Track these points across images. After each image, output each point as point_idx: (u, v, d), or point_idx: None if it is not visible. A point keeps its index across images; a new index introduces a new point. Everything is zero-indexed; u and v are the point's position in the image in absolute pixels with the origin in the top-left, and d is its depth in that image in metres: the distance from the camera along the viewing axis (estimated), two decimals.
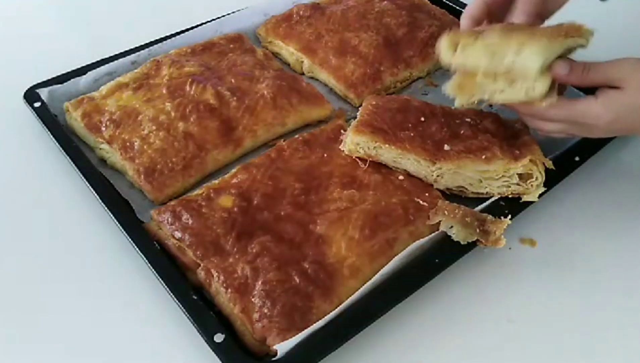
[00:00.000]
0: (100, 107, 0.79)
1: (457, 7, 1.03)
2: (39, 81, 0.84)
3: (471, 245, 0.65)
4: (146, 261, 0.62)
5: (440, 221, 0.66)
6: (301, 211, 0.67)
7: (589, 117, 0.64)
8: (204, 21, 0.97)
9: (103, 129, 0.77)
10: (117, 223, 0.66)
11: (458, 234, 0.65)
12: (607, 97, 0.63)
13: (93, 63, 0.88)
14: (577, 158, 0.75)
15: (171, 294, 0.60)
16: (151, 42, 0.92)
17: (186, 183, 0.74)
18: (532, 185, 0.69)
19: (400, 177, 0.72)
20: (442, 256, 0.64)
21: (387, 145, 0.71)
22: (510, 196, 0.70)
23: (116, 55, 0.89)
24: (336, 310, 0.58)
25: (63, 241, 0.69)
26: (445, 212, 0.66)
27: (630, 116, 0.63)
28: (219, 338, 0.56)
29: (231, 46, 0.91)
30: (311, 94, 0.84)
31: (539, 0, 0.71)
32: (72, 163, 0.73)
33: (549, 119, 0.67)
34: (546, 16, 0.74)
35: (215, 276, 0.61)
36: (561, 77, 0.63)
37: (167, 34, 0.94)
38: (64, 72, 0.86)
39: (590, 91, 0.66)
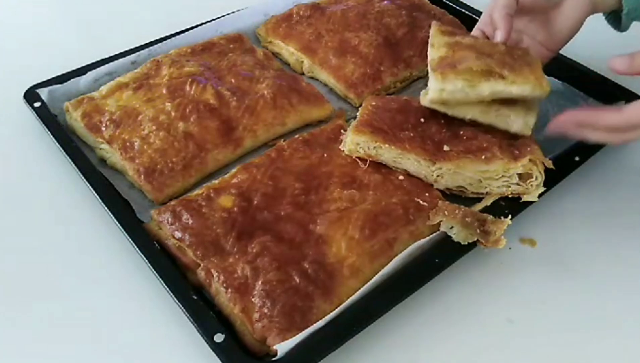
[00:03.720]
0: (100, 107, 0.79)
1: (457, 7, 1.03)
2: (39, 81, 0.84)
3: (471, 245, 0.65)
4: (146, 261, 0.62)
5: (440, 221, 0.66)
6: (301, 211, 0.67)
7: None
8: (204, 21, 0.97)
9: (103, 129, 0.77)
10: (117, 223, 0.66)
11: (458, 234, 0.65)
12: None
13: (93, 63, 0.88)
14: (577, 158, 0.75)
15: (171, 294, 0.60)
16: (151, 42, 0.92)
17: (186, 183, 0.74)
18: (532, 185, 0.69)
19: (400, 177, 0.72)
20: (442, 256, 0.64)
21: (387, 145, 0.71)
22: (510, 196, 0.70)
23: (116, 55, 0.89)
24: (336, 310, 0.58)
25: (63, 241, 0.69)
26: (446, 212, 0.66)
27: None
28: (219, 338, 0.56)
29: (231, 45, 0.91)
30: (311, 94, 0.84)
31: (544, 36, 0.73)
32: (72, 163, 0.73)
33: (633, 126, 0.63)
34: (556, 49, 0.75)
35: (215, 276, 0.61)
36: (623, 70, 0.62)
37: (167, 34, 0.94)
38: (64, 72, 0.86)
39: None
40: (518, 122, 0.71)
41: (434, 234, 0.66)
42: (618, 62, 0.63)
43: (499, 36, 0.72)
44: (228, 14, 0.98)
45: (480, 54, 0.69)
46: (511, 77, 0.67)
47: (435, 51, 0.72)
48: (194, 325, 0.57)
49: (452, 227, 0.65)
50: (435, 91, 0.69)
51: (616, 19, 0.79)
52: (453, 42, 0.72)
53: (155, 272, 0.61)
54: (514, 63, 0.68)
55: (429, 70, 0.71)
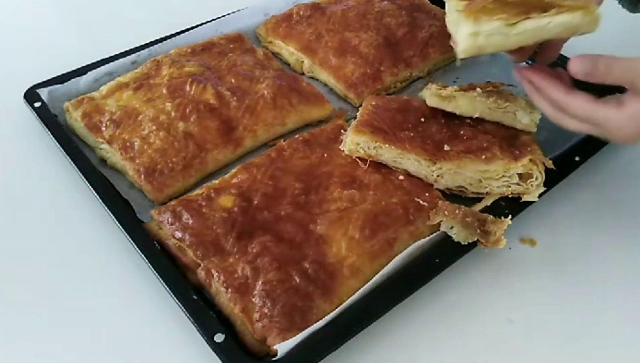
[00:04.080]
0: (101, 107, 0.79)
1: None
2: (39, 81, 0.84)
3: (471, 245, 0.65)
4: (146, 261, 0.62)
5: (440, 221, 0.66)
6: (301, 211, 0.67)
7: (610, 126, 0.59)
8: (204, 21, 0.97)
9: (103, 129, 0.77)
10: (117, 223, 0.66)
11: (458, 234, 0.65)
12: (632, 111, 0.57)
13: (93, 63, 0.88)
14: (577, 158, 0.75)
15: (171, 294, 0.60)
16: (151, 42, 0.92)
17: (186, 183, 0.74)
18: (532, 185, 0.70)
19: (401, 177, 0.72)
20: (442, 256, 0.64)
21: (387, 145, 0.71)
22: (510, 196, 0.70)
23: (116, 55, 0.89)
24: (336, 310, 0.58)
25: (63, 241, 0.69)
26: (446, 212, 0.66)
27: None
28: (219, 338, 0.56)
29: (231, 46, 0.91)
30: (311, 94, 0.84)
31: None
32: (72, 163, 0.73)
33: (572, 114, 0.62)
34: None
35: (215, 276, 0.61)
36: (580, 76, 0.58)
37: (167, 34, 0.94)
38: (64, 72, 0.86)
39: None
40: (525, 118, 0.72)
41: (434, 234, 0.66)
42: (576, 64, 0.58)
43: None
44: (228, 14, 0.98)
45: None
46: (555, 7, 0.58)
47: (455, 3, 0.63)
48: (194, 325, 0.57)
49: (452, 227, 0.65)
50: (467, 37, 0.60)
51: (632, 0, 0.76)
52: None
53: (155, 272, 0.61)
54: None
55: (455, 18, 0.62)
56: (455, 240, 0.65)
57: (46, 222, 0.72)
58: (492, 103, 0.72)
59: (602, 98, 0.61)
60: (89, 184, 0.70)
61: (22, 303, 0.64)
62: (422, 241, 0.64)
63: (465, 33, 0.60)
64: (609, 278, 0.67)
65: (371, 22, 0.94)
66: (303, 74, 0.92)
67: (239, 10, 0.99)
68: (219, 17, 0.97)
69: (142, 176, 0.72)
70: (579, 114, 0.61)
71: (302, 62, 0.92)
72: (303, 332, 0.56)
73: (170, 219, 0.66)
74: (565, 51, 0.80)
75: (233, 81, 0.83)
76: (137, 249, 0.63)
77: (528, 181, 0.70)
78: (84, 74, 0.85)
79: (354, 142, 0.72)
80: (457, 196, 0.72)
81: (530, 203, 0.70)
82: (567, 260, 0.69)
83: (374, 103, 0.77)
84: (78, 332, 0.61)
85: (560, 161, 0.73)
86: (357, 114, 0.76)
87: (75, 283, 0.65)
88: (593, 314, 0.64)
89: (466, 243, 0.65)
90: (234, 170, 0.73)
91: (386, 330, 0.61)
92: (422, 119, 0.74)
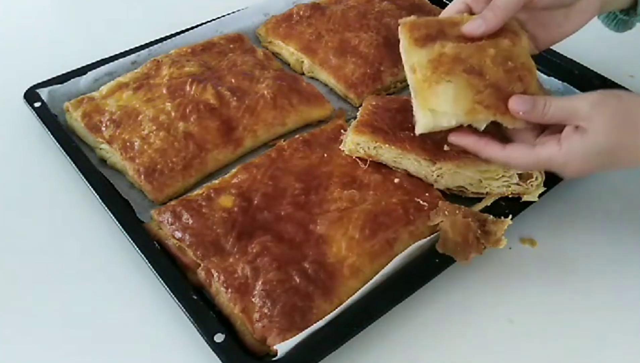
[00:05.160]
0: (101, 107, 0.79)
1: None
2: (39, 81, 0.84)
3: None
4: (146, 261, 0.62)
5: (440, 221, 0.66)
6: (301, 211, 0.67)
7: (556, 165, 0.61)
8: (204, 21, 0.97)
9: (103, 129, 0.77)
10: (117, 223, 0.66)
11: None
12: (570, 146, 0.59)
13: (93, 63, 0.88)
14: None
15: (171, 294, 0.60)
16: (151, 42, 0.92)
17: (186, 183, 0.74)
18: (532, 185, 0.70)
19: (401, 177, 0.72)
20: (442, 256, 0.64)
21: (387, 145, 0.71)
22: (510, 196, 0.70)
23: (116, 55, 0.89)
24: (336, 310, 0.58)
25: (63, 241, 0.69)
26: (446, 213, 0.66)
27: (598, 159, 0.60)
28: (219, 338, 0.56)
29: (231, 45, 0.92)
30: (311, 94, 0.84)
31: (537, 34, 0.70)
32: (72, 163, 0.73)
33: (516, 166, 0.65)
34: (544, 48, 0.71)
35: (215, 276, 0.61)
36: (520, 115, 0.60)
37: (167, 34, 0.94)
38: (64, 72, 0.86)
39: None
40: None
41: (434, 234, 0.66)
42: (517, 103, 0.60)
43: (485, 25, 0.64)
44: (228, 14, 0.98)
45: (470, 73, 0.62)
46: (506, 114, 0.62)
47: (416, 77, 0.64)
48: (194, 325, 0.57)
49: None
50: (423, 126, 0.63)
51: (616, 20, 0.78)
52: (435, 57, 0.63)
53: (155, 272, 0.61)
54: (507, 86, 0.62)
55: (413, 97, 0.64)
56: None
57: (46, 222, 0.72)
58: None
59: (540, 139, 0.62)
60: (89, 184, 0.70)
61: (21, 303, 0.64)
62: (422, 241, 0.64)
63: (422, 122, 0.62)
64: (609, 277, 0.67)
65: (371, 22, 0.94)
66: (303, 74, 0.92)
67: (239, 10, 0.99)
68: (219, 17, 0.97)
69: (142, 176, 0.72)
70: (523, 164, 0.63)
71: (302, 62, 0.92)
72: (303, 332, 0.56)
73: (170, 219, 0.66)
74: (561, 49, 0.80)
75: (233, 81, 0.83)
76: (137, 249, 0.63)
77: (528, 181, 0.70)
78: (84, 74, 0.85)
79: (354, 142, 0.72)
80: (457, 196, 0.72)
81: (530, 203, 0.70)
82: (567, 260, 0.69)
83: (374, 103, 0.77)
84: (78, 332, 0.61)
85: None
86: (357, 114, 0.76)
87: (74, 283, 0.65)
88: (593, 314, 0.64)
89: None
90: (234, 170, 0.73)
91: (386, 330, 0.61)
92: None
